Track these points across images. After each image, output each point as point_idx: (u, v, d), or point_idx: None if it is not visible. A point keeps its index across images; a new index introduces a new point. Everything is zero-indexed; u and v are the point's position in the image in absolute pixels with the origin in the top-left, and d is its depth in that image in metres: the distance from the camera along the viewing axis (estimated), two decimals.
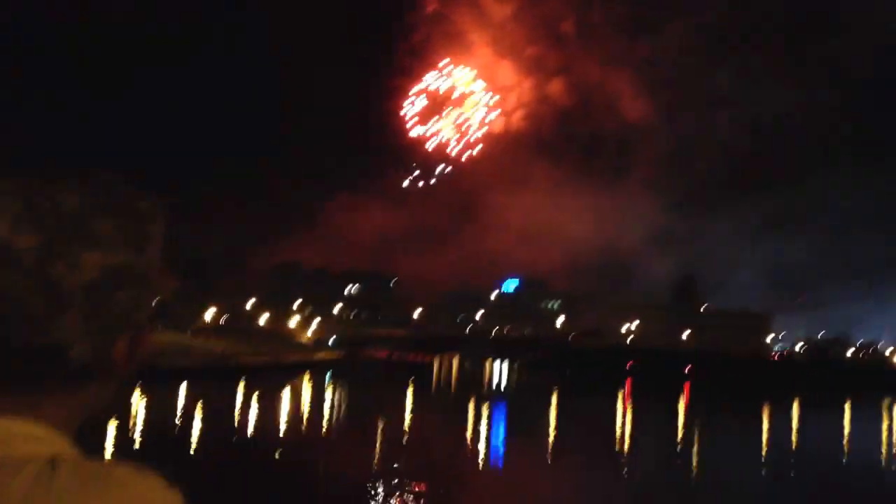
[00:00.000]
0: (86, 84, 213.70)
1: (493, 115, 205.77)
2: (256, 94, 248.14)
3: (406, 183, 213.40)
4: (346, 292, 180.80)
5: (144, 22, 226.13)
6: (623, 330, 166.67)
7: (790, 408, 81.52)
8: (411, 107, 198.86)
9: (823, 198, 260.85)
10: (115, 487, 1.05)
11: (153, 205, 1.22)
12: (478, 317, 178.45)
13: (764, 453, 48.58)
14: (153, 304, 1.24)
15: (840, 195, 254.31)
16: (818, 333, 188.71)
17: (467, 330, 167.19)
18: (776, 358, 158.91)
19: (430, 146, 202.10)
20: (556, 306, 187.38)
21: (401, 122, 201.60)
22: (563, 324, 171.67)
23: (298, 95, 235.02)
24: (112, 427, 38.44)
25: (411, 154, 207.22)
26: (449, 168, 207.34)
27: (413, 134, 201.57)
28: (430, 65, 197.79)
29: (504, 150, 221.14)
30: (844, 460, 48.27)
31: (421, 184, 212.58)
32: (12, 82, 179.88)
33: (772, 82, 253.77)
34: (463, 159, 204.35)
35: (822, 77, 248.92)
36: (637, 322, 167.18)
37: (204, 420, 46.25)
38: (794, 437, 58.55)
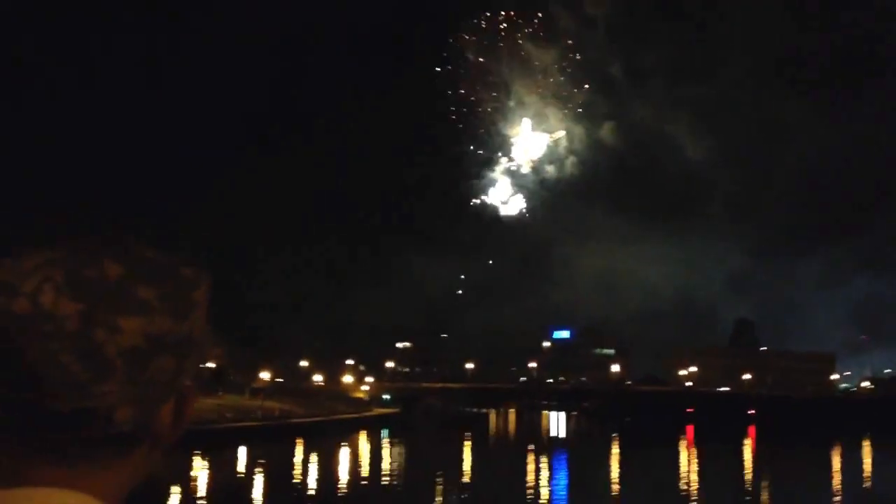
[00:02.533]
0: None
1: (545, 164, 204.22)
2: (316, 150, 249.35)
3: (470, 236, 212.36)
4: (399, 347, 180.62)
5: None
6: (681, 374, 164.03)
7: (861, 448, 79.13)
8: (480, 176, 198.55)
9: None
10: None
11: (197, 272, 1.24)
12: (532, 366, 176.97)
13: (839, 500, 46.90)
14: (201, 369, 1.27)
15: None
16: (884, 371, 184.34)
17: (522, 380, 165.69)
18: (843, 397, 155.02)
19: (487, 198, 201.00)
20: (610, 353, 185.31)
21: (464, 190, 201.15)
22: (619, 371, 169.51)
23: (357, 149, 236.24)
24: (175, 492, 38.26)
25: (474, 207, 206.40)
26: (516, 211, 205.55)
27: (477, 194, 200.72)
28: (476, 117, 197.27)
29: (562, 198, 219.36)
30: None
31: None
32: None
33: (837, 119, 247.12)
34: (522, 210, 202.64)
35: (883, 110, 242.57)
36: (694, 367, 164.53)
37: (265, 483, 45.88)
38: (867, 480, 56.62)
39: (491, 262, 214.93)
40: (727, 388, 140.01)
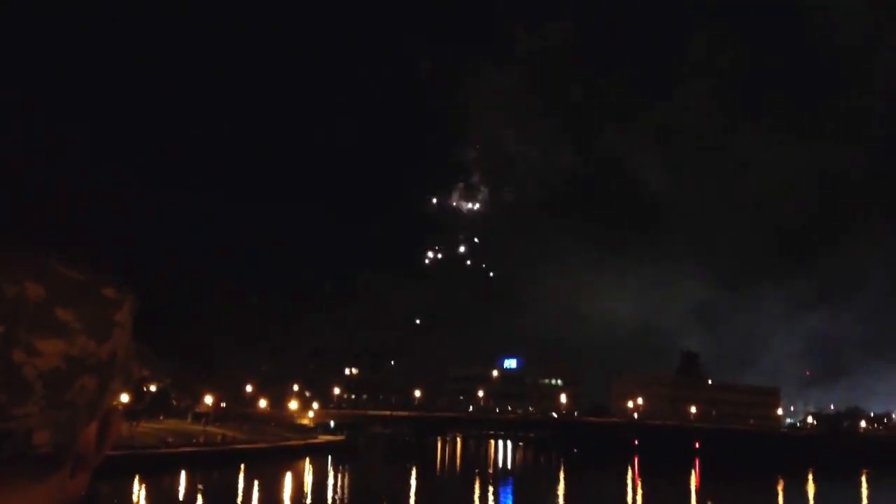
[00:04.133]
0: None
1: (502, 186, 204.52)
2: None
3: (427, 259, 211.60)
4: (346, 373, 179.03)
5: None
6: (628, 406, 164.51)
7: (805, 482, 79.68)
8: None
9: (859, 271, 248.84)
10: None
11: (120, 292, 1.21)
12: (479, 395, 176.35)
13: None
14: (144, 393, 1.19)
15: (876, 265, 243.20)
16: (829, 405, 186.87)
17: (470, 409, 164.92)
18: (787, 432, 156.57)
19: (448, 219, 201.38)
20: (558, 384, 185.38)
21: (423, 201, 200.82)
22: (567, 402, 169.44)
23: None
24: None
25: (431, 230, 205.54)
26: (467, 241, 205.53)
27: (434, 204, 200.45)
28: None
29: (518, 222, 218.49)
30: None
31: (439, 256, 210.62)
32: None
33: (794, 143, 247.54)
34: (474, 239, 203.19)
35: (847, 135, 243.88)
36: (640, 399, 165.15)
37: None
38: None
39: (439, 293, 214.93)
40: (672, 422, 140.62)
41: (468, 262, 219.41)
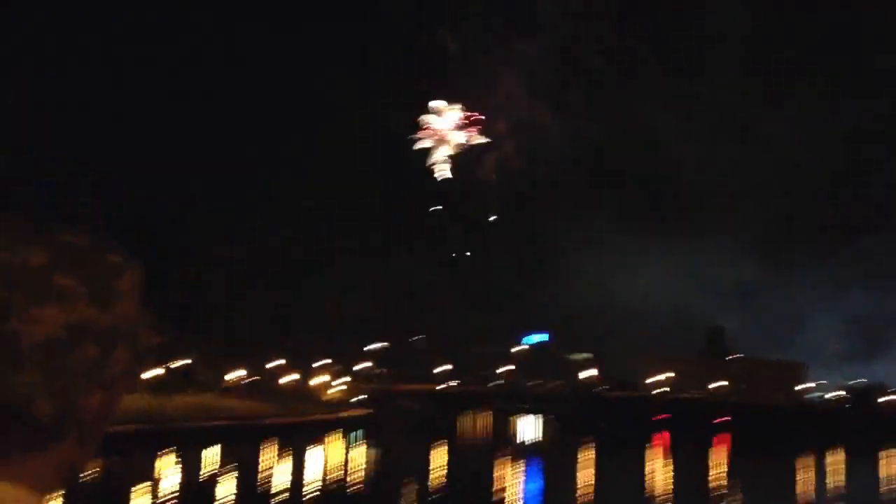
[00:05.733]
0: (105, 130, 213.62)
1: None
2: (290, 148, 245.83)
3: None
4: (373, 348, 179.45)
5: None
6: (656, 381, 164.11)
7: (836, 455, 79.16)
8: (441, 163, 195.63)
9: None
10: None
11: (125, 260, 1.19)
12: (507, 369, 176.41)
13: None
14: (132, 360, 1.20)
15: None
16: (857, 380, 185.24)
17: (497, 383, 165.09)
18: (816, 405, 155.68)
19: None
20: (588, 357, 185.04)
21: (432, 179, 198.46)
22: (595, 376, 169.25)
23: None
24: (142, 492, 37.28)
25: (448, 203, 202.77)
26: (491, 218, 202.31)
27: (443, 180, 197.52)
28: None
29: (549, 197, 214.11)
30: None
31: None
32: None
33: (826, 121, 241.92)
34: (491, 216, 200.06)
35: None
36: (669, 374, 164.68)
37: (236, 483, 44.93)
38: (841, 485, 56.46)
39: (469, 253, 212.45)
40: (700, 396, 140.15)
41: (498, 236, 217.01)
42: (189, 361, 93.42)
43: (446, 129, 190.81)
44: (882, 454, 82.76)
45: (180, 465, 51.08)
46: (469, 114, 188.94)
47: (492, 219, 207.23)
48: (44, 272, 1.09)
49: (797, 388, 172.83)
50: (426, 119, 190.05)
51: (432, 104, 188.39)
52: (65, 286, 1.10)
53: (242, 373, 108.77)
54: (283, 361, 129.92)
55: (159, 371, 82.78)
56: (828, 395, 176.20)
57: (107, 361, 1.15)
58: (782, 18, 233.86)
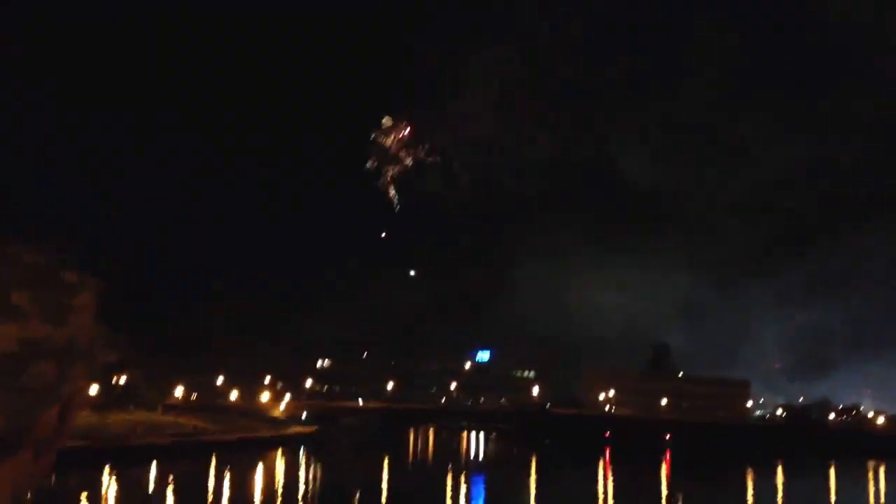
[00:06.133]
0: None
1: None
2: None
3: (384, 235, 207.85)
4: (318, 366, 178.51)
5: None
6: (601, 398, 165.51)
7: (774, 474, 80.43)
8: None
9: (851, 264, 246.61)
10: None
11: (81, 277, 1.19)
12: (452, 387, 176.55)
13: None
14: (87, 377, 1.21)
15: (869, 258, 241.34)
16: (799, 399, 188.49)
17: (442, 401, 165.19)
18: (756, 423, 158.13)
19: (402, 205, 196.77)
20: (530, 376, 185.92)
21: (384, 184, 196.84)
22: (539, 394, 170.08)
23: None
24: None
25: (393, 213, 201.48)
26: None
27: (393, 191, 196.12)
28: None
29: (501, 211, 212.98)
30: None
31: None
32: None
33: (791, 138, 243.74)
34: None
35: (842, 131, 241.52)
36: (613, 391, 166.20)
37: (175, 501, 44.47)
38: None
39: (412, 273, 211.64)
40: (642, 415, 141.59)
41: (446, 250, 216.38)
42: (129, 378, 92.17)
43: (395, 146, 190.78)
44: (825, 471, 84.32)
45: (123, 483, 50.42)
46: (412, 128, 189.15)
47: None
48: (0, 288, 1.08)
49: (743, 405, 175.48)
50: (377, 136, 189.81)
51: (383, 121, 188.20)
52: (18, 303, 1.10)
53: (185, 391, 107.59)
54: (227, 379, 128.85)
55: (97, 388, 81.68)
56: (768, 415, 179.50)
57: (63, 378, 1.16)
58: (747, 40, 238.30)
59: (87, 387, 1.22)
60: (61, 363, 1.14)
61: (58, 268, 1.17)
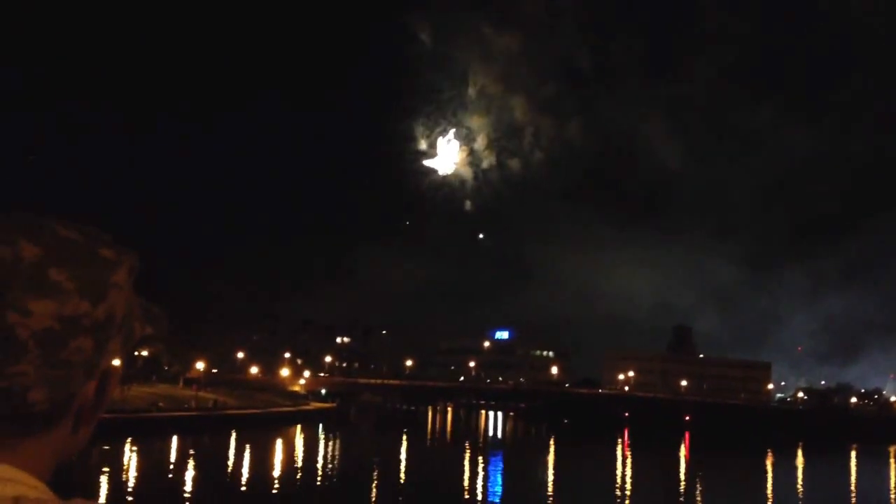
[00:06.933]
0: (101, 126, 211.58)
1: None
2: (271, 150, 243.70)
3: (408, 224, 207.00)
4: (337, 342, 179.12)
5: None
6: (619, 378, 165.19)
7: (794, 457, 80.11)
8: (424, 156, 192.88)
9: (882, 252, 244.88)
10: None
11: (118, 253, 1.22)
12: (471, 365, 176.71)
13: None
14: (129, 350, 1.26)
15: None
16: (821, 382, 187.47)
17: (461, 379, 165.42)
18: (777, 406, 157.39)
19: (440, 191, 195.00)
20: (549, 355, 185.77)
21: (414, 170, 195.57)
22: (558, 373, 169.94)
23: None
24: (104, 478, 37.09)
25: (424, 201, 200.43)
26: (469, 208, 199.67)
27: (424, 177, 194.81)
28: (437, 104, 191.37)
29: (523, 195, 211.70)
30: None
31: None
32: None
33: (806, 122, 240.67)
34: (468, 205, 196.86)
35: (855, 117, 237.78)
36: (632, 372, 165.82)
37: (196, 474, 44.75)
38: (799, 488, 57.18)
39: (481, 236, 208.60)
40: (663, 395, 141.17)
41: (472, 234, 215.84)
42: (151, 351, 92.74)
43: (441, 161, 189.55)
44: (845, 454, 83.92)
45: (144, 455, 50.81)
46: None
47: (481, 236, 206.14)
48: (38, 266, 1.14)
49: (764, 387, 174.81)
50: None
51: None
52: (57, 280, 1.14)
53: (206, 365, 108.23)
54: (247, 354, 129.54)
55: (119, 361, 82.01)
56: (789, 398, 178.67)
57: (102, 352, 1.20)
58: (766, 23, 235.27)
59: (125, 360, 1.29)
60: (99, 338, 1.18)
61: (96, 244, 1.21)
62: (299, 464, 54.28)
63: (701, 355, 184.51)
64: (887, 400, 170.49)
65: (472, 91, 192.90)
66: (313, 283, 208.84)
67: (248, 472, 47.58)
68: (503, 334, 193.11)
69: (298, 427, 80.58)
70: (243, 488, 41.70)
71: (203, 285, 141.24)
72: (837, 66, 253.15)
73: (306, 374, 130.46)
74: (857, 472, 72.08)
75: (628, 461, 71.76)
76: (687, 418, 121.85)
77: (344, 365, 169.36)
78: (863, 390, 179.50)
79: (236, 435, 65.94)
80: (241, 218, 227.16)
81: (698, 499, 48.49)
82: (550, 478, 55.00)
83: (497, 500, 43.23)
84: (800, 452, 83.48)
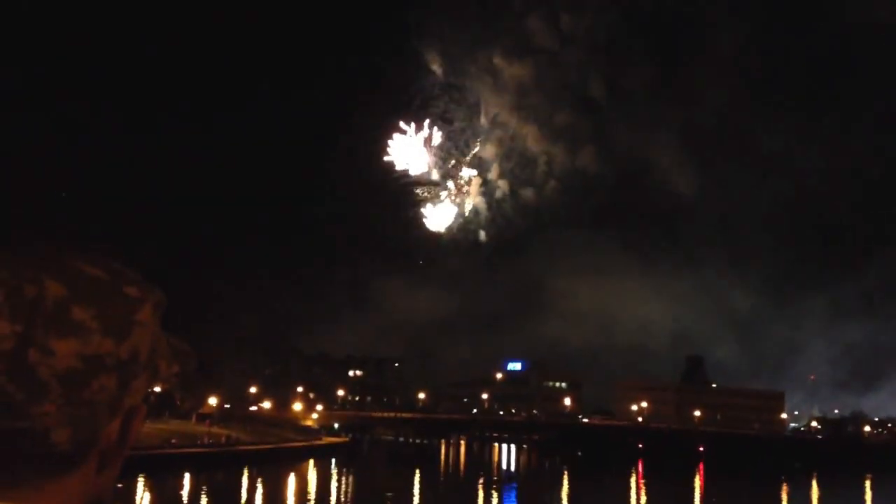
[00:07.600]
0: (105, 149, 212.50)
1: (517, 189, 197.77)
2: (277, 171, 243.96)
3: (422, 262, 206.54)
4: (350, 375, 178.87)
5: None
6: (632, 409, 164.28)
7: (809, 487, 79.53)
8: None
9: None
10: None
11: (143, 291, 1.21)
12: (483, 398, 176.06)
13: None
14: (150, 389, 1.23)
15: None
16: (834, 411, 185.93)
17: (474, 411, 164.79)
18: (791, 436, 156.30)
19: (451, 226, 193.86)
20: (562, 387, 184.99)
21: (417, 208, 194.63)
22: (571, 405, 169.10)
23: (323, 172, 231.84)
24: None
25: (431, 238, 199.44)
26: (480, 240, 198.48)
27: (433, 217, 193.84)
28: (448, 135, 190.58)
29: (543, 224, 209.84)
30: None
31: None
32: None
33: (820, 144, 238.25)
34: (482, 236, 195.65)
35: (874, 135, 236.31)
36: (645, 402, 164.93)
37: None
38: None
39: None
40: (676, 426, 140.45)
41: (487, 265, 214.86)
42: (163, 387, 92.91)
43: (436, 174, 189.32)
44: (860, 484, 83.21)
45: (157, 491, 50.93)
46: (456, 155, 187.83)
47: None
48: (62, 304, 1.13)
49: (778, 417, 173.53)
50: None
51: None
52: (80, 319, 1.13)
53: (218, 400, 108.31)
54: (257, 389, 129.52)
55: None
56: (803, 427, 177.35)
57: (126, 391, 1.19)
58: (781, 41, 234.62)
59: (149, 399, 1.27)
60: (124, 376, 1.17)
61: (120, 281, 1.20)
62: (312, 500, 54.24)
63: (714, 385, 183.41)
64: None
65: (484, 120, 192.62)
66: (324, 314, 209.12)
67: None
68: (516, 365, 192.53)
69: (311, 462, 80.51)
70: None
71: (214, 310, 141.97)
72: (852, 88, 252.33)
73: (319, 407, 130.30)
74: (873, 502, 71.47)
75: (643, 493, 71.40)
76: (701, 449, 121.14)
77: (357, 398, 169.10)
78: (876, 419, 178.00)
79: (249, 471, 65.95)
80: (250, 242, 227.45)
81: None
82: None
83: None
84: (814, 483, 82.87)
